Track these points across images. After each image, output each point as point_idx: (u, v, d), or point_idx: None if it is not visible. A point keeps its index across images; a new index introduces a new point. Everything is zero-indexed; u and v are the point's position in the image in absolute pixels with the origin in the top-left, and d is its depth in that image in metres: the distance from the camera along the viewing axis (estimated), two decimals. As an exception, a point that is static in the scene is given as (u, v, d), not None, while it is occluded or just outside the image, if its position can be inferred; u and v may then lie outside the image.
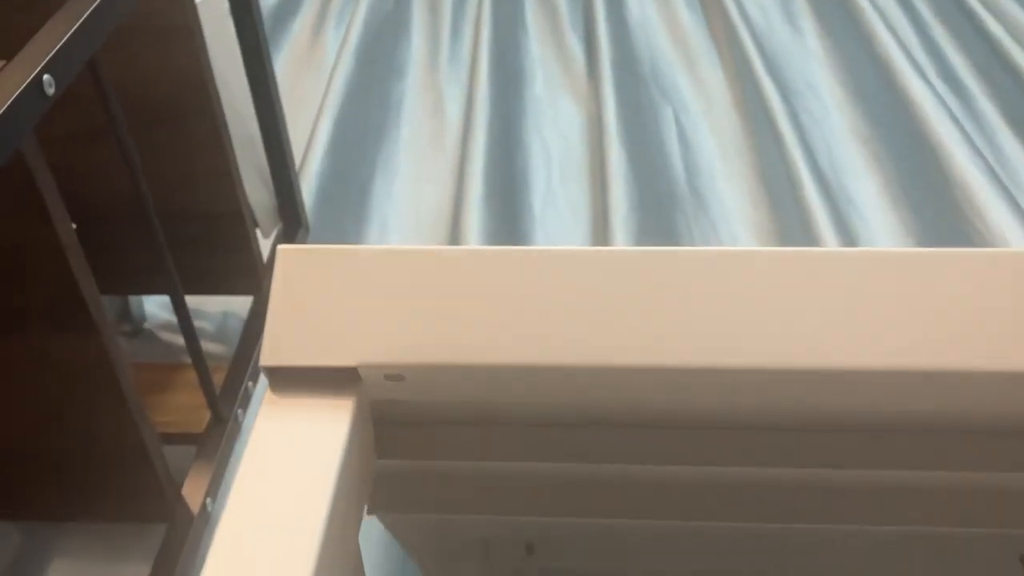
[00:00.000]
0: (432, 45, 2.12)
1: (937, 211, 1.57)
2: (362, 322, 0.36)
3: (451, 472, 0.48)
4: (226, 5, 1.16)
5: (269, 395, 0.39)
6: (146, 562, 0.98)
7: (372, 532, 1.07)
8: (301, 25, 2.19)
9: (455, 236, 1.54)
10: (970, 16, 2.11)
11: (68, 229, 0.75)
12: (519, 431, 0.44)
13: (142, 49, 1.03)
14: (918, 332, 0.35)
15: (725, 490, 0.47)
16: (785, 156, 1.69)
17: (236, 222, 1.19)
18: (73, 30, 0.72)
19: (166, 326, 1.40)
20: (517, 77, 1.99)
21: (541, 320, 0.36)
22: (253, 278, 1.25)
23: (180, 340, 1.29)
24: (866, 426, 0.45)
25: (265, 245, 1.30)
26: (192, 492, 1.02)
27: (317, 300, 0.37)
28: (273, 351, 0.37)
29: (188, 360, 1.06)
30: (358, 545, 0.44)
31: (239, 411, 1.14)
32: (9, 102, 0.63)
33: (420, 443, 0.44)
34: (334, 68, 2.00)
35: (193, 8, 1.03)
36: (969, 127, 1.75)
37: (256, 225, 1.27)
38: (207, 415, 1.10)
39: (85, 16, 0.75)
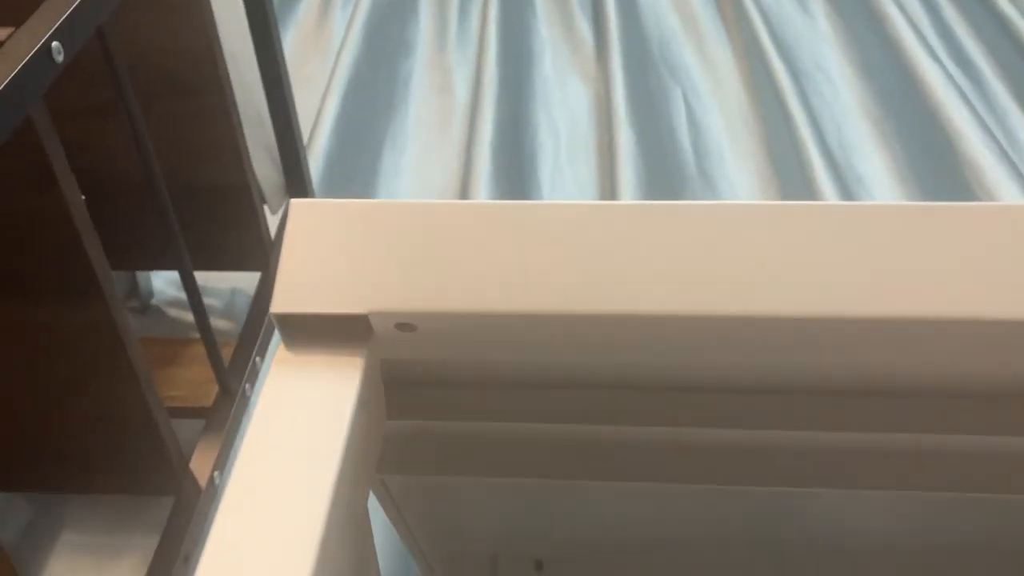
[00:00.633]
0: (440, 24, 2.11)
1: (946, 190, 1.56)
2: (373, 271, 0.36)
3: (459, 433, 0.48)
4: (234, -20, 1.16)
5: (280, 352, 0.39)
6: (154, 534, 0.98)
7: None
8: (309, 4, 2.18)
9: (463, 215, 1.54)
10: (982, -3, 2.10)
11: (77, 198, 0.75)
12: (527, 393, 0.44)
13: (152, 24, 1.03)
14: (927, 282, 0.35)
15: (733, 453, 0.47)
16: (794, 136, 1.68)
17: (244, 198, 1.19)
18: (81, -2, 0.72)
19: (174, 302, 1.41)
20: (525, 57, 1.98)
21: (548, 269, 0.36)
22: (261, 254, 1.25)
23: (187, 316, 1.29)
24: (878, 387, 0.45)
25: (273, 222, 1.30)
26: (200, 465, 1.03)
27: (329, 250, 0.37)
28: (285, 299, 0.37)
29: (196, 335, 1.06)
30: (367, 507, 0.44)
31: (247, 385, 1.14)
32: (18, 68, 0.63)
33: (429, 403, 0.44)
34: (341, 47, 1.99)
35: (202, -18, 1.02)
36: (979, 106, 1.74)
37: (264, 201, 1.27)
38: (215, 389, 1.10)
39: (93, -15, 0.74)
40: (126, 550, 1.07)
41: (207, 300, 1.10)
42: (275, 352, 0.39)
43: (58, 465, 0.98)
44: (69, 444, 0.95)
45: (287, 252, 0.37)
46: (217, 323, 1.30)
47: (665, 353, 0.38)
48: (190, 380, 1.14)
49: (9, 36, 0.67)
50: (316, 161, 1.67)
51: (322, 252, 0.37)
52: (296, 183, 1.36)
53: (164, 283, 1.43)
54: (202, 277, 1.09)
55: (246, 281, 1.39)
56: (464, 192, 1.61)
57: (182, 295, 1.05)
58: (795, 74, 1.86)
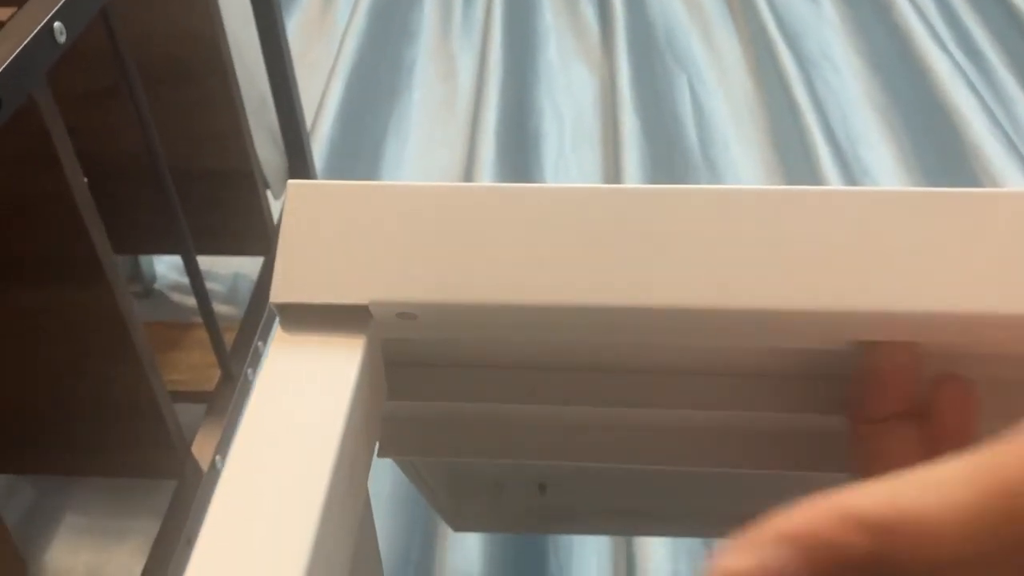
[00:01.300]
0: (444, 10, 2.10)
1: (953, 180, 1.55)
2: (374, 259, 0.36)
3: (461, 414, 0.48)
4: (238, -37, 1.15)
5: (279, 334, 0.38)
6: (156, 518, 0.99)
7: (379, 465, 1.08)
8: (313, -11, 2.17)
9: (466, 201, 1.54)
10: (990, -15, 2.09)
11: (80, 180, 0.75)
12: (531, 374, 0.44)
13: (155, 7, 1.02)
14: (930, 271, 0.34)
15: (737, 435, 0.47)
16: (800, 124, 1.67)
17: (247, 182, 1.18)
18: (84, -21, 0.72)
19: (176, 287, 1.41)
20: (530, 42, 1.98)
21: (556, 259, 0.35)
22: (264, 239, 1.25)
23: (190, 301, 1.29)
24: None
25: (276, 207, 1.30)
26: (202, 449, 1.03)
27: (328, 236, 0.36)
28: (284, 288, 0.37)
29: (198, 320, 1.06)
30: (367, 490, 0.44)
31: (249, 370, 1.14)
32: (21, 47, 0.63)
33: (431, 384, 0.44)
34: (346, 32, 1.98)
35: (205, -36, 1.02)
36: (987, 96, 1.73)
37: (267, 186, 1.27)
38: (217, 374, 1.10)
39: (96, -35, 0.74)
40: (128, 533, 1.08)
41: (210, 285, 1.10)
42: (275, 331, 0.39)
43: (60, 448, 0.98)
44: (71, 427, 0.95)
45: (286, 237, 0.36)
46: (220, 308, 1.30)
47: (674, 339, 0.38)
48: (192, 364, 1.14)
49: (11, 16, 0.67)
50: (320, 146, 1.67)
51: (322, 237, 0.36)
52: (300, 168, 1.36)
53: (167, 268, 1.43)
54: (205, 262, 1.09)
55: (249, 266, 1.39)
56: (468, 178, 1.60)
57: (184, 280, 1.05)
58: (801, 62, 1.85)
